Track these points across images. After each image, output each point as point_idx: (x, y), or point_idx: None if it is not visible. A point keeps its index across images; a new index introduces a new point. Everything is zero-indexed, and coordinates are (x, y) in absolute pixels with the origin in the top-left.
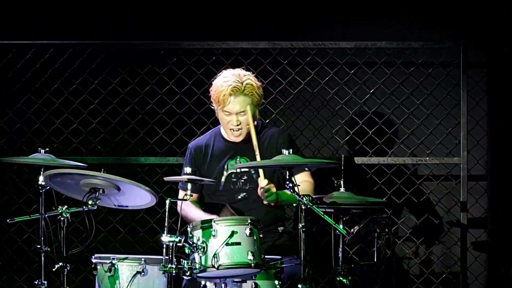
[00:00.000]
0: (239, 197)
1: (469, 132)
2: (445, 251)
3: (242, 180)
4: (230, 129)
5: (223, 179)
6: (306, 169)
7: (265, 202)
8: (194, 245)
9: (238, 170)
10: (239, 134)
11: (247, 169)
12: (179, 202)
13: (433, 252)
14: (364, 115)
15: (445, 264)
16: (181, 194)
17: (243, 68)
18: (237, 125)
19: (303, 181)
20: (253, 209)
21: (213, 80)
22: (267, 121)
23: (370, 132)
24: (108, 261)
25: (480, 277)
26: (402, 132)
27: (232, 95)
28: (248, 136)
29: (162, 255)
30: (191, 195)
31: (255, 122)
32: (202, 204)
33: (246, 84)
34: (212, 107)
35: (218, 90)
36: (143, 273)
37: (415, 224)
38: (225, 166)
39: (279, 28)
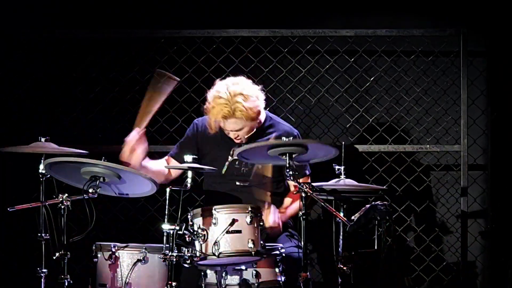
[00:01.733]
0: (241, 184)
1: (475, 121)
2: (447, 239)
3: (247, 168)
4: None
5: (226, 163)
6: (307, 172)
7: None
8: (195, 233)
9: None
10: (240, 142)
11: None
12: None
13: (436, 240)
14: (365, 103)
15: (450, 252)
16: (167, 160)
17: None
18: (236, 137)
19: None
20: (255, 197)
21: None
22: (267, 109)
23: (371, 120)
24: (108, 249)
25: (488, 266)
26: (403, 120)
27: (224, 119)
28: (251, 138)
29: (162, 243)
30: (192, 184)
31: (263, 118)
32: (204, 192)
33: (236, 108)
34: None
35: (211, 112)
36: (143, 261)
37: (415, 212)
38: (230, 152)
39: (279, 16)
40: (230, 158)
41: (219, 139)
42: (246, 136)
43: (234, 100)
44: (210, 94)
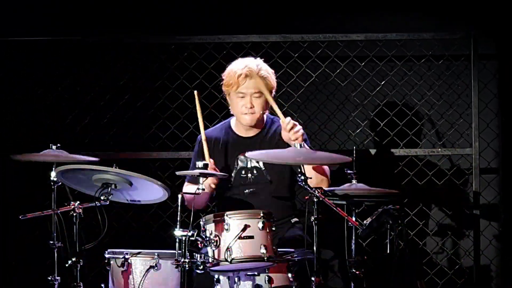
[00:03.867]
0: (249, 192)
1: (488, 125)
2: (460, 243)
3: (253, 176)
4: (244, 114)
5: (233, 174)
6: None
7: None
8: (207, 239)
9: (249, 165)
10: (252, 118)
11: (256, 164)
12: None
13: (449, 244)
14: (376, 107)
15: (464, 255)
16: (186, 186)
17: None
18: (251, 107)
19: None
20: (264, 204)
21: (224, 71)
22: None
23: (382, 124)
24: (121, 256)
25: (503, 269)
26: (414, 124)
27: (248, 76)
28: (258, 123)
29: (175, 249)
30: (203, 189)
31: (265, 115)
32: (216, 198)
33: (261, 68)
34: (224, 97)
35: (233, 72)
36: (156, 268)
37: (428, 215)
38: (235, 161)
39: (289, 21)
40: (236, 166)
41: (225, 150)
42: (259, 112)
43: (258, 61)
44: (231, 65)
